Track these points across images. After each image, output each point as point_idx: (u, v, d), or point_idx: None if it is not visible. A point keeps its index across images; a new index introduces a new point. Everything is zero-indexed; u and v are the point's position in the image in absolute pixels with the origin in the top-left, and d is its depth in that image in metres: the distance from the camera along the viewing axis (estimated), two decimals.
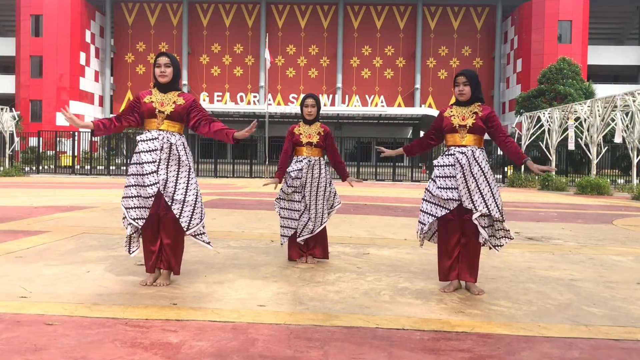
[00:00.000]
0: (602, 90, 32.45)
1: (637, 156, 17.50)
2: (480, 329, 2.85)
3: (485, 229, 3.62)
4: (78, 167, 28.16)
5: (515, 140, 26.28)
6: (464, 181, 3.59)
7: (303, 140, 4.47)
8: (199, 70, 46.30)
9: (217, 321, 2.85)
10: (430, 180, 3.76)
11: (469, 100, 3.73)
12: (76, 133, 28.29)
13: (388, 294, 3.54)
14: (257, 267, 4.33)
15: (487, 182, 3.64)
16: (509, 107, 42.42)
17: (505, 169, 26.65)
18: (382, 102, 44.57)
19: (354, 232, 6.60)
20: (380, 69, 46.15)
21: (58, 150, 28.24)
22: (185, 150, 3.67)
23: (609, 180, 20.39)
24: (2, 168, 24.61)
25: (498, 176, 26.82)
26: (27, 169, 26.87)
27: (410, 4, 45.65)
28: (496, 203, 3.62)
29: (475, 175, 3.60)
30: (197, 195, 3.64)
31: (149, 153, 3.59)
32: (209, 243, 3.71)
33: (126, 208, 3.60)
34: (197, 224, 3.60)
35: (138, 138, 3.69)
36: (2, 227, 6.27)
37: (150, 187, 3.53)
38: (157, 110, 3.64)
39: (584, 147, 20.44)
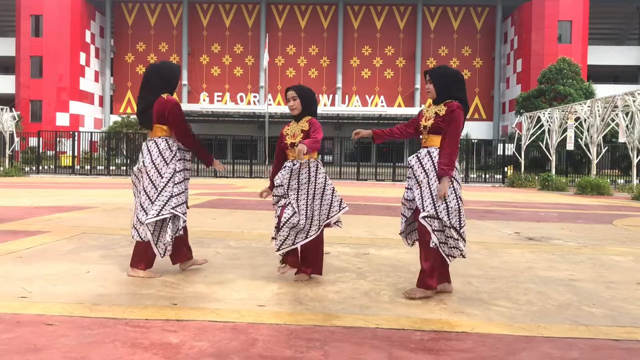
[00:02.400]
0: (602, 90, 32.44)
1: (637, 156, 17.49)
2: (480, 329, 2.84)
3: (435, 232, 3.42)
4: (78, 167, 28.15)
5: (516, 141, 26.05)
6: (415, 182, 3.55)
7: (288, 141, 3.89)
8: (199, 71, 46.30)
9: (217, 321, 2.85)
10: None
11: (437, 100, 3.60)
12: (76, 133, 28.30)
13: (388, 294, 3.54)
14: (257, 268, 4.33)
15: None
16: (509, 107, 42.42)
17: (505, 169, 26.65)
18: (382, 102, 44.58)
19: (354, 232, 6.60)
20: (380, 69, 46.16)
21: (58, 150, 28.24)
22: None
23: (609, 180, 20.39)
24: (2, 168, 24.60)
25: (498, 176, 26.83)
26: (27, 169, 26.86)
27: (410, 4, 45.65)
28: (447, 207, 3.42)
29: (428, 175, 3.48)
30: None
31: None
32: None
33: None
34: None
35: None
36: (2, 227, 6.27)
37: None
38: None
39: (584, 147, 20.43)
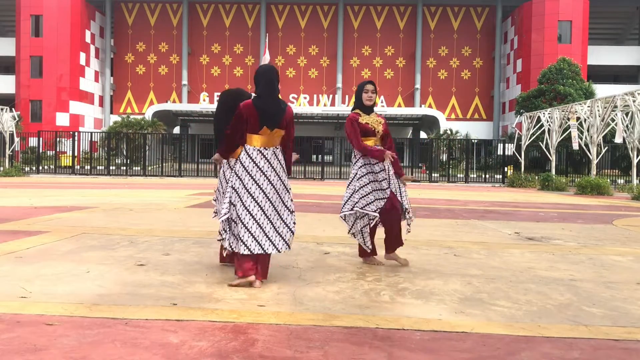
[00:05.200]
0: (602, 90, 32.45)
1: (637, 156, 17.49)
2: (480, 329, 2.84)
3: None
4: (78, 167, 28.16)
5: (516, 141, 26.01)
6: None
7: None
8: (199, 71, 46.32)
9: (217, 321, 2.85)
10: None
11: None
12: (76, 133, 28.30)
13: (388, 294, 3.54)
14: None
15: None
16: (509, 107, 42.43)
17: (505, 169, 26.65)
18: (382, 102, 44.54)
19: None
20: (380, 69, 46.16)
21: (58, 150, 28.25)
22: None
23: (609, 180, 20.38)
24: (2, 168, 24.60)
25: (498, 176, 26.83)
26: (27, 169, 26.86)
27: (410, 4, 45.66)
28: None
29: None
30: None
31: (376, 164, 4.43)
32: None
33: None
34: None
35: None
36: (2, 227, 6.27)
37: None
38: (374, 129, 4.44)
39: (584, 147, 20.43)
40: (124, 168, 28.01)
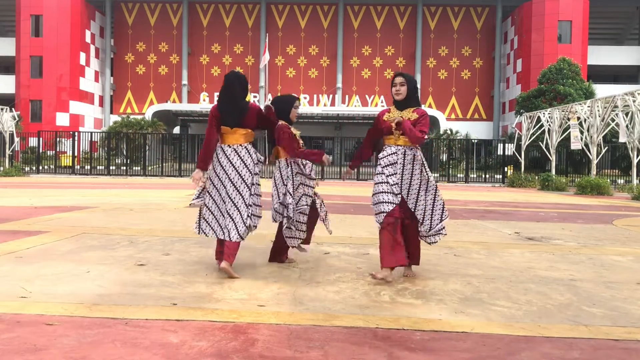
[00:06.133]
0: (602, 90, 32.44)
1: (637, 156, 17.49)
2: (480, 329, 2.84)
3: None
4: (78, 167, 28.16)
5: (516, 141, 26.03)
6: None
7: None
8: (199, 71, 46.31)
9: (217, 321, 2.85)
10: None
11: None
12: (76, 133, 28.30)
13: (388, 294, 3.54)
14: (257, 267, 4.33)
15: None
16: (509, 107, 42.42)
17: (505, 169, 26.65)
18: (382, 102, 44.57)
19: (354, 232, 6.60)
20: (380, 69, 46.15)
21: (58, 150, 28.25)
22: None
23: (609, 180, 20.38)
24: (2, 168, 24.60)
25: (498, 176, 26.83)
26: (27, 169, 26.86)
27: (410, 4, 45.65)
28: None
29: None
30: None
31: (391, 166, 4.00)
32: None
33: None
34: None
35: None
36: (2, 227, 6.27)
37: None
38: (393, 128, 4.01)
39: (584, 147, 20.43)
40: (124, 168, 28.00)
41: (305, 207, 4.33)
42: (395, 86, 4.04)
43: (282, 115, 4.38)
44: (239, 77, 4.16)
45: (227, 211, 3.95)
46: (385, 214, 3.88)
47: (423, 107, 4.29)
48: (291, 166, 4.32)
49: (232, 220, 3.92)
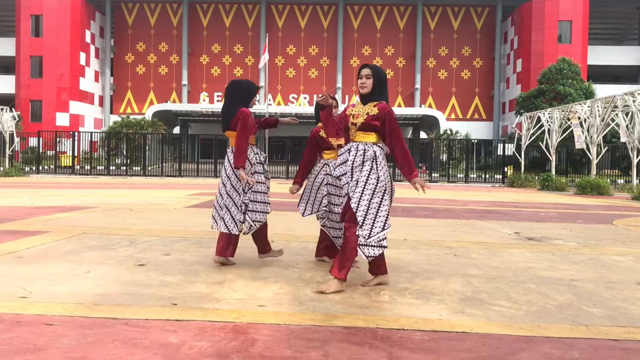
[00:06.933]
0: (602, 90, 32.45)
1: (637, 156, 17.49)
2: (480, 329, 2.84)
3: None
4: (78, 167, 28.15)
5: (515, 141, 25.79)
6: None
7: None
8: (199, 71, 46.31)
9: (217, 321, 2.85)
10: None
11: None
12: (76, 133, 28.29)
13: (388, 294, 3.54)
14: (257, 268, 4.33)
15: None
16: (509, 107, 42.43)
17: (505, 169, 26.66)
18: None
19: None
20: None
21: (58, 150, 28.24)
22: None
23: (609, 180, 20.37)
24: (2, 168, 24.60)
25: (498, 176, 26.83)
26: (27, 169, 26.86)
27: (410, 4, 45.65)
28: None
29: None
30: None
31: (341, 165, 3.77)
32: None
33: None
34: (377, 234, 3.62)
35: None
36: (2, 227, 6.27)
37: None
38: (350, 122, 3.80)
39: (584, 147, 20.43)
40: (124, 168, 28.00)
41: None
42: (360, 78, 3.72)
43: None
44: (231, 84, 4.41)
45: (224, 205, 4.29)
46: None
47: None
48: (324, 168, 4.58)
49: (226, 214, 4.27)
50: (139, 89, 46.19)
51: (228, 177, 4.28)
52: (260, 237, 4.46)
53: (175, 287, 3.60)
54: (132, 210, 8.79)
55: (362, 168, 3.61)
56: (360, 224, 3.54)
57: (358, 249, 3.56)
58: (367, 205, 3.54)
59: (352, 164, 3.64)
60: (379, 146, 3.70)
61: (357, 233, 3.55)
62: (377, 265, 3.75)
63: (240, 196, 4.26)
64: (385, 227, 3.58)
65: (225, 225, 4.23)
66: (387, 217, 3.60)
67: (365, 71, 3.70)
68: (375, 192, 3.56)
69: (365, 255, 3.56)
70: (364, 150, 3.65)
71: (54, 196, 11.56)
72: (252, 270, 4.22)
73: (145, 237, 5.77)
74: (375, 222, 3.55)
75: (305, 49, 46.24)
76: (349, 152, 3.70)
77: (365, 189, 3.56)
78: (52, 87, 39.78)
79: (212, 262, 4.45)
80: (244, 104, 4.33)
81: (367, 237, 3.53)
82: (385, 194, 3.61)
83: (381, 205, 3.58)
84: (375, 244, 3.56)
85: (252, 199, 4.25)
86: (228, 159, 4.32)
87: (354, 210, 3.55)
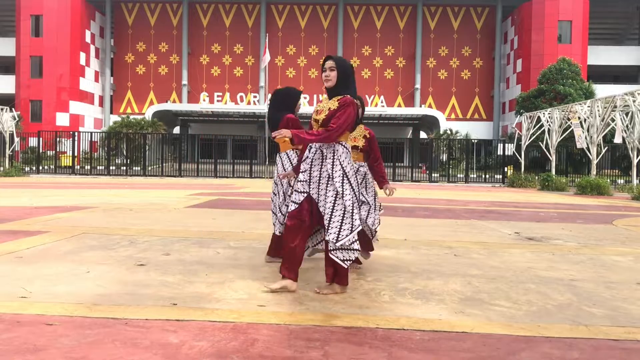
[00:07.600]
0: (602, 90, 32.45)
1: (637, 156, 17.49)
2: (480, 329, 2.84)
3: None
4: (78, 167, 28.16)
5: (515, 141, 25.75)
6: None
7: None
8: (199, 71, 46.31)
9: (217, 321, 2.85)
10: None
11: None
12: (76, 133, 28.30)
13: (388, 294, 3.54)
14: (257, 268, 4.33)
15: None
16: (509, 107, 42.43)
17: (505, 169, 26.66)
18: (382, 102, 44.57)
19: None
20: (380, 69, 46.16)
21: (58, 150, 28.25)
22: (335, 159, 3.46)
23: (609, 180, 20.37)
24: (2, 168, 24.60)
25: (498, 176, 26.83)
26: (27, 169, 26.86)
27: (410, 4, 45.66)
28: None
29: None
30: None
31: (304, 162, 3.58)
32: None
33: None
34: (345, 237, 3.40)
35: None
36: (2, 227, 6.27)
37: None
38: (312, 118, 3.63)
39: (585, 147, 20.44)
40: (124, 168, 28.01)
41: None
42: (324, 71, 3.50)
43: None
44: (274, 94, 4.50)
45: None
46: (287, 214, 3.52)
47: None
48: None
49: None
50: (139, 89, 46.19)
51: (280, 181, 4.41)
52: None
53: (175, 287, 3.60)
54: (132, 210, 8.79)
55: (322, 168, 3.45)
56: (326, 227, 3.38)
57: (330, 255, 3.40)
58: (332, 208, 3.37)
59: (312, 162, 3.49)
60: (341, 144, 3.48)
61: (325, 237, 3.41)
62: (344, 274, 3.49)
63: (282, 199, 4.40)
64: (353, 229, 3.37)
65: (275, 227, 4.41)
66: (353, 217, 3.38)
67: (329, 63, 3.49)
68: (340, 195, 3.39)
69: (340, 260, 3.38)
70: (322, 150, 3.48)
71: (54, 196, 11.56)
72: (252, 270, 4.22)
73: (145, 237, 5.77)
74: (343, 225, 3.36)
75: (305, 49, 46.24)
76: (309, 150, 3.54)
77: (328, 192, 3.40)
78: (52, 87, 39.78)
79: (212, 262, 4.45)
80: (289, 110, 4.35)
81: (335, 241, 3.36)
82: (345, 195, 3.39)
83: (347, 207, 3.38)
84: (345, 247, 3.39)
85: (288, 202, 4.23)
86: (282, 164, 4.38)
87: (322, 214, 3.41)
